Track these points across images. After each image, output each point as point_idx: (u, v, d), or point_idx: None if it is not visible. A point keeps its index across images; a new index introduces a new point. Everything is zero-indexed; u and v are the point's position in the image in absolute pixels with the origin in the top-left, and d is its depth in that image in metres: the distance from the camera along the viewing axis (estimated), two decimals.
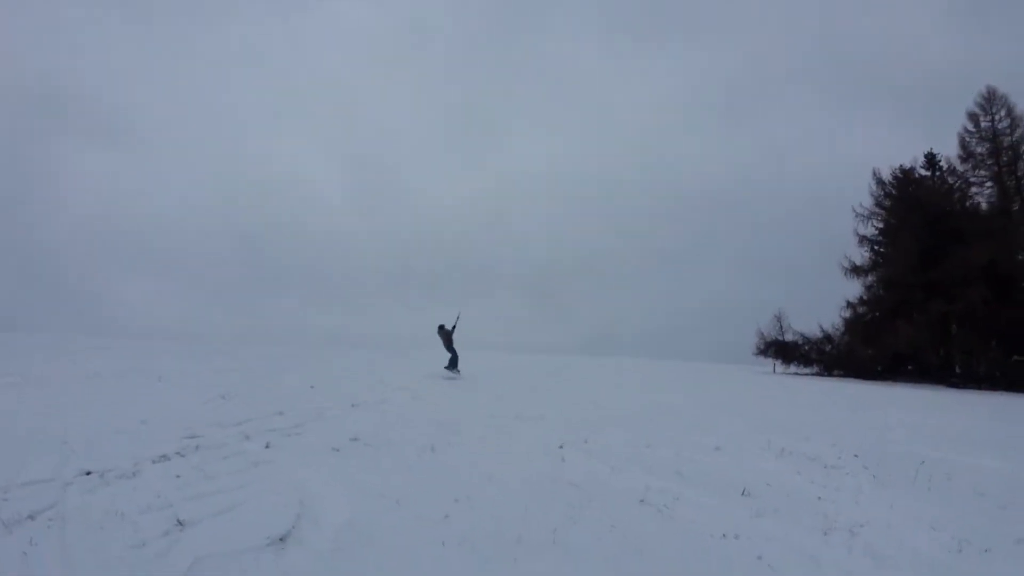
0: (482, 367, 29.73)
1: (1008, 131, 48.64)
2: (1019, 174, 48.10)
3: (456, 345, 26.03)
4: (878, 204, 53.24)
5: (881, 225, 52.93)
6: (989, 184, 49.44)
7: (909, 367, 48.90)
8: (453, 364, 25.18)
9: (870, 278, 52.69)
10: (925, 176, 51.99)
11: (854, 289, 52.31)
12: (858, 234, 53.28)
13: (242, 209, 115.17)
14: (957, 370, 46.98)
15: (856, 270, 52.97)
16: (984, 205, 49.48)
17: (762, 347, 55.42)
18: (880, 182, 53.16)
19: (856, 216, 53.15)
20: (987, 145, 49.29)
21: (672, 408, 19.04)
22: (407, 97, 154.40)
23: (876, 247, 52.94)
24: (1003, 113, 48.80)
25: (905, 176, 52.31)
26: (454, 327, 25.71)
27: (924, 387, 41.97)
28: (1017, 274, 47.02)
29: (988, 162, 49.25)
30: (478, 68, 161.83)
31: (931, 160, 51.73)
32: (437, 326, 25.94)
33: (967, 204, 49.73)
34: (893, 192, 52.59)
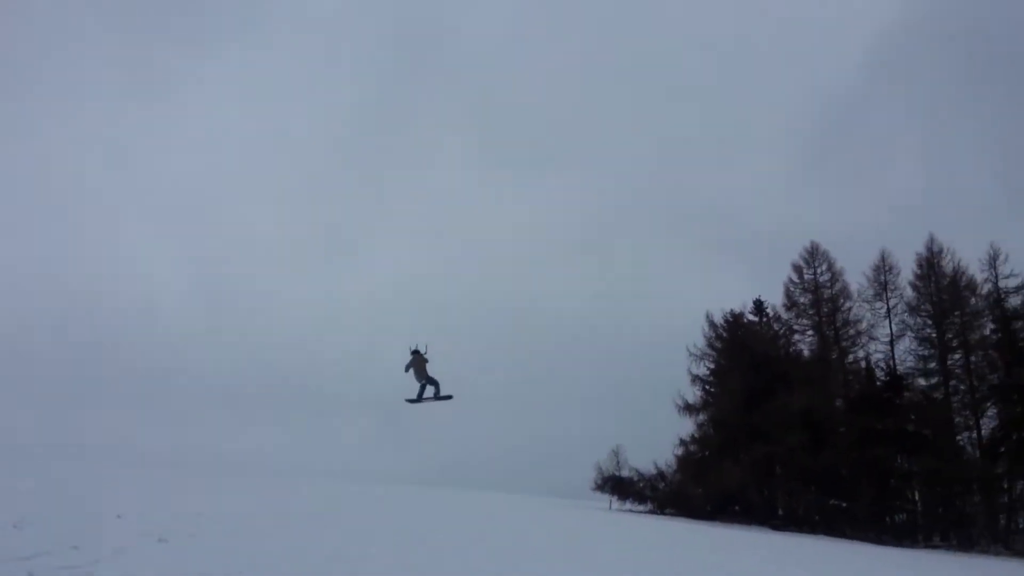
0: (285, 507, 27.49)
1: (828, 284, 52.02)
2: (837, 325, 51.17)
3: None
4: (710, 345, 55.22)
5: (712, 366, 54.71)
6: (810, 332, 52.32)
7: (736, 507, 49.56)
8: (438, 390, 22.74)
9: (701, 417, 53.94)
10: (753, 321, 54.55)
11: (688, 427, 53.69)
12: (691, 373, 54.83)
13: (73, 306, 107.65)
14: (780, 512, 47.95)
15: (689, 408, 54.15)
16: (806, 352, 52.14)
17: (599, 482, 55.16)
18: (712, 325, 55.35)
19: (691, 356, 54.82)
20: (809, 296, 52.43)
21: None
22: (269, 205, 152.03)
23: (707, 387, 54.50)
24: (824, 267, 52.30)
25: (735, 320, 54.69)
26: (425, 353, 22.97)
27: (748, 528, 42.32)
28: (833, 420, 49.24)
29: (810, 312, 52.27)
30: (346, 183, 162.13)
31: (759, 307, 54.43)
32: (411, 351, 22.77)
33: (790, 350, 52.26)
34: (724, 335, 54.76)
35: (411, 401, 22.94)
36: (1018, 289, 47.27)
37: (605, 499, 54.72)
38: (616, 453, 55.73)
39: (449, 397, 22.80)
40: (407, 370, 22.47)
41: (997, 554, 42.63)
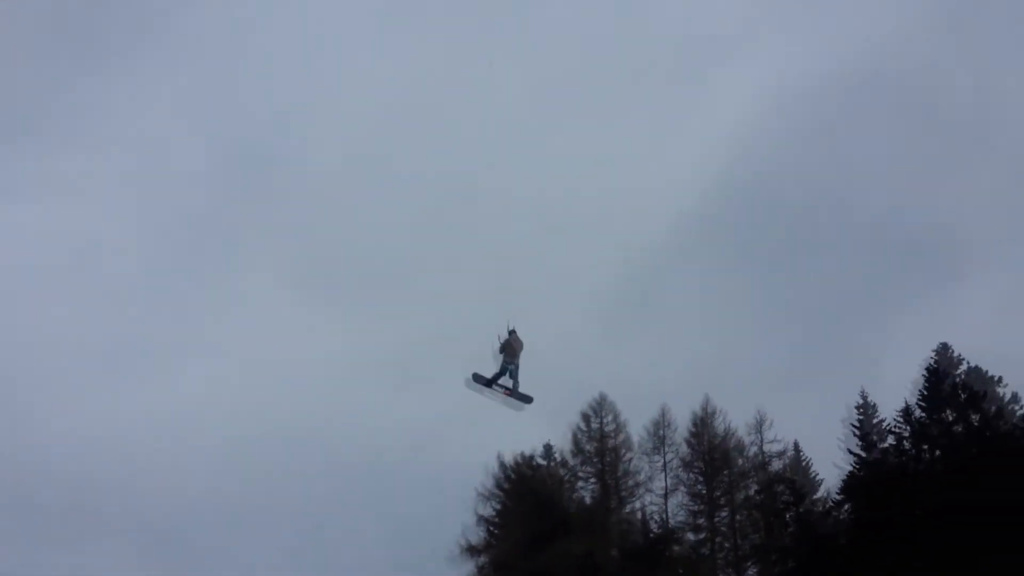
0: None
1: (613, 434, 54.25)
2: (618, 474, 53.08)
3: None
4: (498, 486, 55.23)
5: (499, 507, 54.56)
6: (593, 480, 53.81)
7: None
8: (517, 385, 20.25)
9: (483, 559, 53.02)
10: (542, 465, 55.40)
11: (467, 570, 52.56)
12: (477, 513, 54.28)
13: None
14: None
15: (471, 550, 53.16)
16: (588, 499, 53.33)
17: None
18: (503, 465, 55.64)
19: (478, 495, 54.49)
20: (595, 444, 54.32)
21: None
22: (65, 313, 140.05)
23: (492, 528, 54.04)
24: (610, 418, 54.74)
25: (525, 463, 55.29)
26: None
27: None
28: (610, 570, 49.92)
29: (595, 460, 53.99)
30: (152, 297, 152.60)
31: (548, 451, 55.55)
32: (509, 329, 20.25)
33: (574, 496, 53.27)
34: (512, 476, 55.11)
35: (480, 381, 20.41)
36: (780, 454, 51.54)
37: None
38: None
39: (529, 400, 20.57)
40: (501, 350, 20.21)
41: None
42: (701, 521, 51.39)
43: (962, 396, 47.51)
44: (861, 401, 50.63)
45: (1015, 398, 46.55)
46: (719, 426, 53.12)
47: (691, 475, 52.37)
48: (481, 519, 54.29)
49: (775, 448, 51.68)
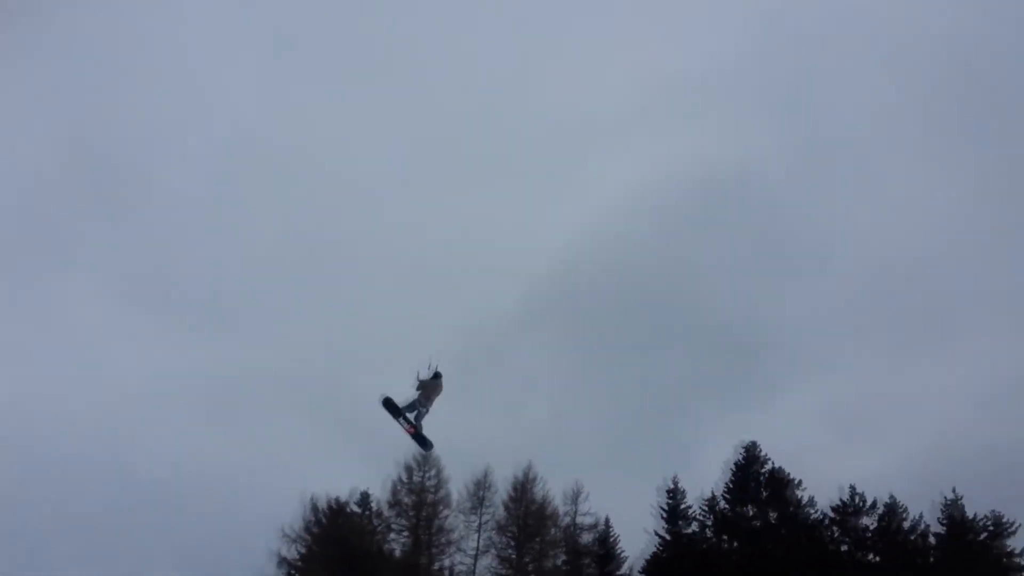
0: None
1: (433, 489, 53.77)
2: (433, 530, 52.53)
3: None
4: (307, 530, 53.16)
5: (304, 551, 52.43)
6: (407, 533, 52.90)
7: None
8: (420, 427, 18.75)
9: None
10: (356, 513, 53.91)
11: None
12: (280, 555, 51.86)
13: None
14: None
15: None
16: (398, 552, 52.31)
17: None
18: (315, 509, 53.70)
19: (283, 536, 52.14)
20: (414, 497, 53.59)
21: None
22: None
23: (292, 572, 51.74)
24: (433, 472, 54.23)
25: (339, 508, 53.63)
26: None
27: None
28: None
29: (411, 513, 53.18)
30: None
31: (365, 499, 54.14)
32: (435, 371, 18.90)
33: (384, 547, 52.11)
34: (323, 521, 53.27)
35: (388, 407, 19.03)
36: (591, 527, 52.86)
37: None
38: None
39: (429, 446, 19.60)
40: (418, 388, 18.88)
41: None
42: None
43: (764, 493, 51.08)
44: (672, 486, 52.70)
45: (811, 502, 50.11)
46: (538, 493, 53.92)
47: (504, 538, 52.61)
48: (283, 561, 51.97)
49: (587, 521, 52.94)
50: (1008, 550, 46.07)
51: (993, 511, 46.84)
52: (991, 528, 46.32)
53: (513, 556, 52.10)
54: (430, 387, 18.68)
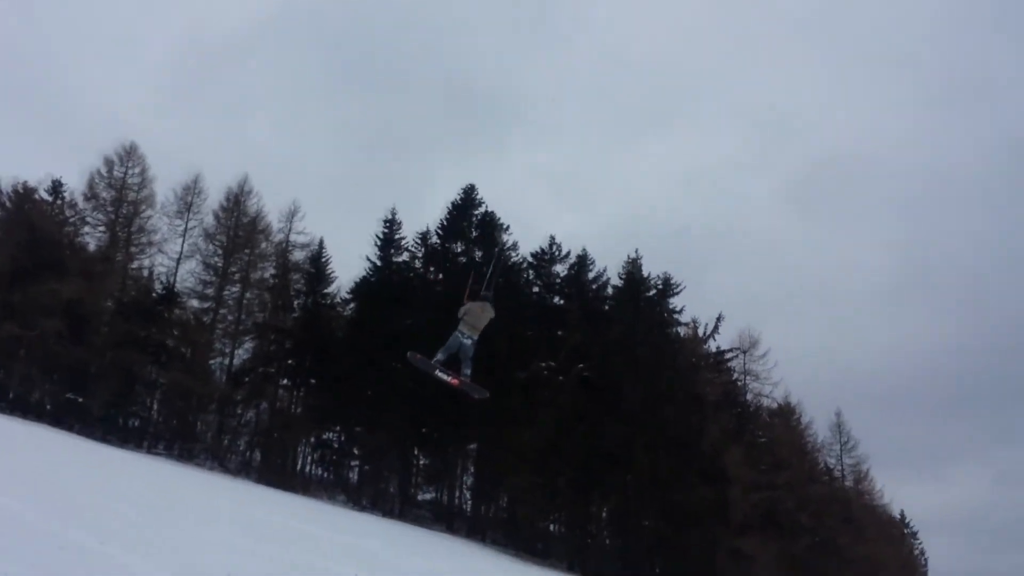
0: None
1: (136, 188, 50.37)
2: (132, 229, 49.81)
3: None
4: None
5: None
6: (103, 228, 49.82)
7: None
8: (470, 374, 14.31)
9: None
10: (47, 200, 49.51)
11: None
12: None
13: None
14: (11, 395, 44.09)
15: None
16: (92, 246, 49.43)
17: None
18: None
19: None
20: (113, 193, 50.01)
21: None
22: None
23: None
24: (137, 170, 50.53)
25: (26, 193, 48.89)
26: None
27: None
28: (99, 319, 47.50)
29: (109, 208, 49.82)
30: None
31: (56, 187, 49.68)
32: (483, 291, 14.45)
33: (76, 240, 48.95)
34: (8, 204, 48.57)
35: (421, 363, 14.18)
36: (305, 246, 52.80)
37: None
38: None
39: (485, 392, 14.64)
40: (461, 316, 13.98)
41: (211, 468, 46.06)
42: (210, 292, 50.78)
43: (474, 233, 53.59)
44: (390, 217, 53.28)
45: (515, 246, 53.19)
46: (252, 207, 52.41)
47: (211, 246, 51.05)
48: None
49: (302, 239, 52.47)
50: (671, 307, 52.50)
51: (664, 272, 52.51)
52: (660, 287, 52.19)
53: (220, 264, 51.05)
54: (476, 312, 14.05)
